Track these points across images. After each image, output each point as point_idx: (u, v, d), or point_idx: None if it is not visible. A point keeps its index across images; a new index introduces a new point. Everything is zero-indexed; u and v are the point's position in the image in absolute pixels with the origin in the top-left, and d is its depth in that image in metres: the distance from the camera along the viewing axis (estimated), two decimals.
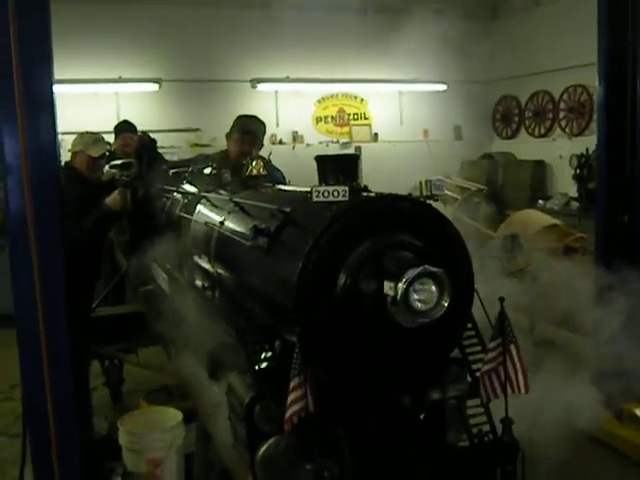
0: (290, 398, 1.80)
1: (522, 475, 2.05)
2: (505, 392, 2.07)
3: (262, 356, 2.17)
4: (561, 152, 11.00)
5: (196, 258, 3.24)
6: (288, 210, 2.15)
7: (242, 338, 2.16)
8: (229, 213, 2.87)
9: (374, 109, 12.21)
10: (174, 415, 5.46)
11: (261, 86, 11.09)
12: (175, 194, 4.26)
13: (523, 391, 2.07)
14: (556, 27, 10.81)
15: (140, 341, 6.40)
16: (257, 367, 2.11)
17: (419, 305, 1.85)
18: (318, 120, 11.91)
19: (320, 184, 2.31)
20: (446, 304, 1.87)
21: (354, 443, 1.94)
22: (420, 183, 2.12)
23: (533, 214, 8.44)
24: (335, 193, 1.97)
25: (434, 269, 1.84)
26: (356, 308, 1.95)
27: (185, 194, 3.91)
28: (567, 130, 11.23)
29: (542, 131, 11.78)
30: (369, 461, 1.92)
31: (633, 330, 3.68)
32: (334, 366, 1.99)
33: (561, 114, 11.31)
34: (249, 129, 5.47)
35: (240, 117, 5.63)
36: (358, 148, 11.39)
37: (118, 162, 6.47)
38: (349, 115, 12.05)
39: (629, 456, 4.16)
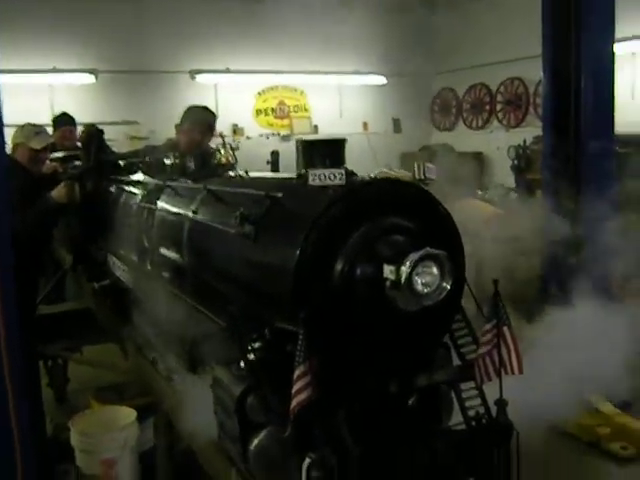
0: (295, 387, 1.74)
1: (517, 454, 2.06)
2: (500, 374, 2.07)
3: (251, 346, 2.11)
4: (498, 144, 11.23)
5: (163, 250, 3.13)
6: (279, 195, 2.08)
7: (234, 328, 2.08)
8: (202, 202, 2.78)
9: (314, 101, 12.20)
10: (127, 414, 5.29)
11: (200, 77, 10.92)
12: (130, 185, 4.13)
13: (517, 372, 2.08)
14: (492, 21, 11.02)
15: (89, 339, 6.21)
16: (249, 357, 2.05)
17: (421, 288, 1.83)
18: (258, 112, 11.82)
19: (305, 170, 2.26)
20: (448, 286, 1.86)
21: (353, 430, 1.91)
22: (413, 167, 2.11)
23: (476, 203, 8.56)
24: (332, 176, 1.92)
25: (437, 251, 1.82)
26: (354, 293, 1.91)
27: (144, 184, 3.78)
28: (504, 122, 11.49)
29: (480, 123, 12.02)
30: (370, 448, 1.89)
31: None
32: (331, 353, 1.95)
33: (498, 106, 11.57)
34: (201, 119, 5.39)
35: (191, 107, 5.55)
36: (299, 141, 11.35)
37: (60, 155, 6.24)
38: (289, 107, 12.00)
39: (579, 437, 4.21)
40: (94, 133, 4.97)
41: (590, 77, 5.55)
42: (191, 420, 2.85)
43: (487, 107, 11.82)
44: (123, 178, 4.41)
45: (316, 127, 12.13)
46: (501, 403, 2.10)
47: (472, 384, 2.17)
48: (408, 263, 1.78)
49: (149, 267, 3.36)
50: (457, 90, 12.49)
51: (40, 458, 3.92)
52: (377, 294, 1.90)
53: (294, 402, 1.74)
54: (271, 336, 2.14)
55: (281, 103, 11.94)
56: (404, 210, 1.99)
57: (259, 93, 11.76)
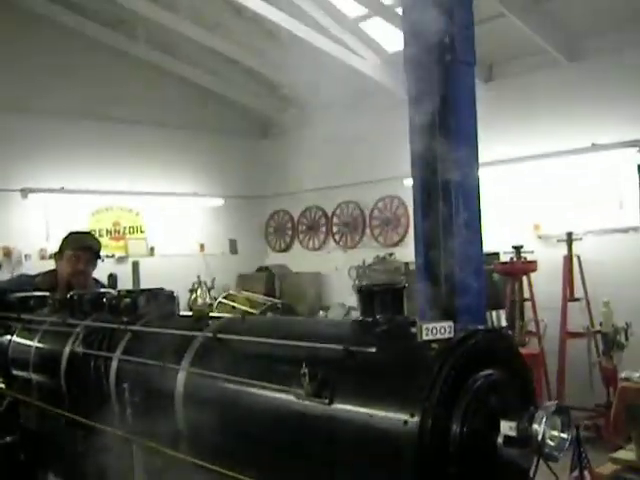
0: None
1: None
2: None
3: None
4: (337, 264, 11.58)
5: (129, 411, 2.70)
6: (371, 350, 1.90)
7: None
8: (199, 354, 2.47)
9: (150, 223, 11.85)
10: None
11: (33, 196, 10.19)
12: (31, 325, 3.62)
13: None
14: (323, 148, 11.54)
15: None
16: None
17: (550, 443, 1.75)
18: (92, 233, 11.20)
19: (364, 317, 2.13)
20: (568, 437, 1.79)
21: None
22: (486, 315, 2.06)
23: None
24: (442, 330, 1.81)
25: (563, 405, 1.76)
26: (467, 456, 1.78)
27: (70, 327, 3.30)
28: (341, 243, 11.93)
29: (316, 244, 12.36)
30: None
31: None
32: None
33: (335, 228, 12.01)
34: (85, 246, 5.07)
35: (72, 233, 5.25)
36: (136, 263, 10.82)
37: None
38: (125, 228, 11.54)
39: None
40: None
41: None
42: None
43: (323, 229, 12.22)
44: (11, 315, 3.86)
45: (152, 249, 11.75)
46: None
47: None
48: (543, 419, 1.69)
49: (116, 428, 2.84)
50: (292, 212, 12.82)
51: None
52: (489, 452, 1.79)
53: None
54: None
55: (116, 224, 11.45)
56: (500, 361, 1.92)
57: (93, 213, 11.19)
